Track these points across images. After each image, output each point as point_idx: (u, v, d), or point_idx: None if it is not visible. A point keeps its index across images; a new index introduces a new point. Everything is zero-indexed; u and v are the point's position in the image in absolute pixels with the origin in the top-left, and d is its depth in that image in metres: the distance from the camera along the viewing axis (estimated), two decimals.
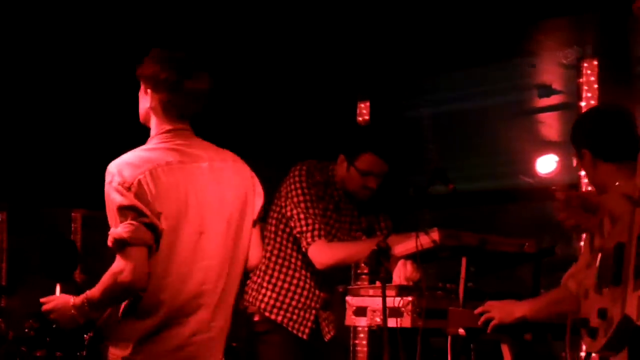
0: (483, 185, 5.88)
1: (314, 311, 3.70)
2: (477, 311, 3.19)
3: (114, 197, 2.68)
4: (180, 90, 2.80)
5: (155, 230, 2.68)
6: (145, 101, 2.86)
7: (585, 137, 2.95)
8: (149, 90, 2.84)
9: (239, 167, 2.92)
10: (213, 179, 2.83)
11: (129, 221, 2.64)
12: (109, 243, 2.67)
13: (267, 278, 3.72)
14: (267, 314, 3.67)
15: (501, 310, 3.15)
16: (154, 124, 2.86)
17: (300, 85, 5.58)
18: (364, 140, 3.68)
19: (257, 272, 3.76)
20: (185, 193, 2.76)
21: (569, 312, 2.99)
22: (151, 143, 2.84)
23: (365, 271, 4.34)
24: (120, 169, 2.71)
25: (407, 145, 5.83)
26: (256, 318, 3.69)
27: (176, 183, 2.75)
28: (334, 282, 3.75)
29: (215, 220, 2.81)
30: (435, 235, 3.21)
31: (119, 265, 2.65)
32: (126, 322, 2.75)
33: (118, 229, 2.65)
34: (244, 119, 5.81)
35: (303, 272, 3.69)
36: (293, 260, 3.70)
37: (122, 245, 2.64)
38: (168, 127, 2.84)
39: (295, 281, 3.70)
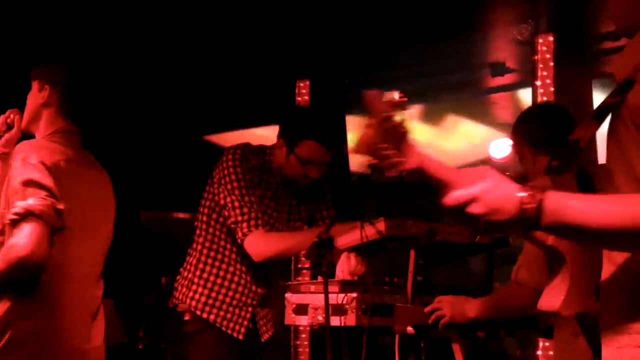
0: None
1: (250, 309, 3.45)
2: (427, 309, 3.09)
3: (29, 171, 2.65)
4: (81, 87, 2.91)
5: (61, 219, 2.68)
6: (38, 99, 2.92)
7: (525, 129, 3.17)
8: (47, 87, 2.90)
9: (106, 178, 3.02)
10: (99, 186, 2.95)
11: (43, 196, 2.63)
12: (14, 215, 2.59)
13: (198, 273, 3.46)
14: (198, 312, 3.41)
15: (453, 308, 3.06)
16: (46, 120, 2.91)
17: (236, 62, 5.40)
18: (306, 125, 3.41)
19: (187, 267, 3.51)
20: (84, 195, 2.83)
21: (523, 305, 3.01)
22: (54, 137, 2.86)
23: (307, 265, 4.19)
24: (37, 149, 2.73)
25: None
26: (186, 317, 3.43)
27: (78, 184, 2.81)
28: (272, 276, 3.53)
29: (101, 226, 2.93)
30: (381, 225, 3.04)
31: (17, 239, 2.58)
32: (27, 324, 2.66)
33: (30, 202, 2.61)
34: (175, 98, 5.67)
35: (238, 266, 3.44)
36: (227, 252, 3.45)
37: (25, 217, 2.59)
38: (65, 127, 2.89)
39: (229, 276, 3.44)
